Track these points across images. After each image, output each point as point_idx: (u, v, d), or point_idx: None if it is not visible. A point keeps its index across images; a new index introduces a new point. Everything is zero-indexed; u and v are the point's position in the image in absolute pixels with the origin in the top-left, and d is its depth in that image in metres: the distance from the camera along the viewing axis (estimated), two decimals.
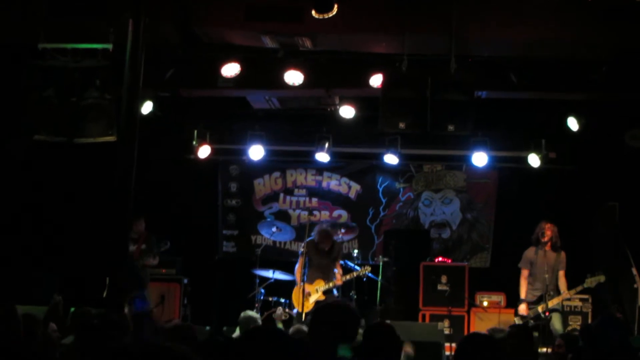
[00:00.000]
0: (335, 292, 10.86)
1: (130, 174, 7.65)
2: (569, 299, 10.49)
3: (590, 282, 9.79)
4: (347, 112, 11.34)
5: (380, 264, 11.94)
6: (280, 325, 10.03)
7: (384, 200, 13.50)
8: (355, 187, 13.61)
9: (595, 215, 11.96)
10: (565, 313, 10.89)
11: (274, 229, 11.96)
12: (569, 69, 9.96)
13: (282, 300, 11.07)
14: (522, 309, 9.98)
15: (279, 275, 11.28)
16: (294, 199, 13.71)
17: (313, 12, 8.60)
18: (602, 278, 9.74)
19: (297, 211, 13.62)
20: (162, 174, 12.38)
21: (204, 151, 12.57)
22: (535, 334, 9.67)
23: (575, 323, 11.14)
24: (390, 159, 12.22)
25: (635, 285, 10.74)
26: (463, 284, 11.70)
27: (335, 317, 4.50)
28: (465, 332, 11.20)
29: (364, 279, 11.14)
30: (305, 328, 7.08)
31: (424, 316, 11.61)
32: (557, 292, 9.98)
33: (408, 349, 6.88)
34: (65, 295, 8.46)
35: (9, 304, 5.05)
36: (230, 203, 13.77)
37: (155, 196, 11.98)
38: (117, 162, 7.78)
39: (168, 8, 9.36)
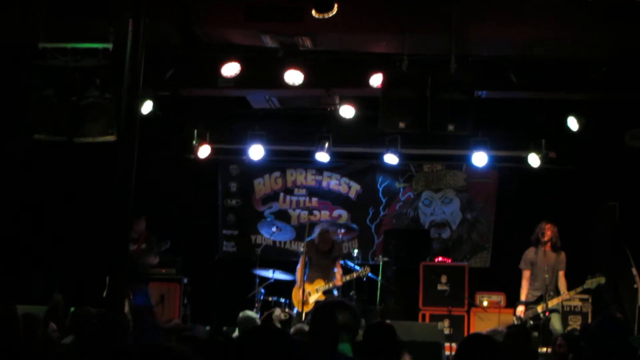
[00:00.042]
0: (335, 292, 10.86)
1: (130, 173, 7.65)
2: (568, 299, 10.48)
3: (591, 283, 9.78)
4: (347, 111, 11.33)
5: (380, 263, 11.94)
6: (278, 326, 10.03)
7: (384, 200, 13.50)
8: (355, 186, 13.61)
9: (595, 215, 11.96)
10: (565, 313, 10.90)
11: (274, 229, 11.96)
12: (569, 69, 9.95)
13: (282, 300, 11.08)
14: (520, 310, 9.98)
15: (279, 275, 11.29)
16: (294, 198, 13.72)
17: (313, 12, 8.59)
18: (602, 280, 9.73)
19: (297, 211, 13.63)
20: (162, 174, 12.38)
21: (204, 151, 12.57)
22: (535, 333, 9.68)
23: (575, 323, 11.15)
24: (390, 158, 12.22)
25: (635, 285, 10.74)
26: (463, 283, 11.70)
27: (335, 316, 4.50)
28: (465, 332, 11.21)
29: (364, 279, 11.14)
30: (306, 328, 7.09)
31: (423, 316, 11.61)
32: (557, 293, 9.97)
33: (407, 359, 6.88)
34: (65, 295, 8.47)
35: (9, 304, 5.05)
36: (230, 203, 13.77)
37: (155, 196, 11.98)
38: (117, 161, 7.78)
39: (168, 8, 9.36)
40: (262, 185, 13.75)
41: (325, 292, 10.70)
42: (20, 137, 9.95)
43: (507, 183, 13.00)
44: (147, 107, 10.58)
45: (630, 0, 8.49)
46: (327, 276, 10.77)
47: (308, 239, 10.95)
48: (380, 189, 13.52)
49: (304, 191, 13.71)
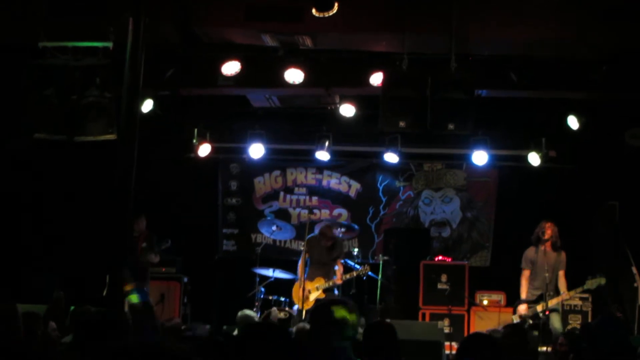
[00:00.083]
0: (335, 290, 10.87)
1: (130, 173, 7.64)
2: (568, 299, 10.48)
3: (591, 284, 9.77)
4: (347, 110, 11.33)
5: (380, 262, 11.94)
6: None
7: (384, 199, 13.50)
8: (356, 185, 13.61)
9: (595, 215, 11.96)
10: (565, 312, 10.90)
11: (274, 228, 11.97)
12: (569, 68, 9.95)
13: (282, 299, 11.09)
14: (522, 309, 9.97)
15: (279, 274, 11.29)
16: (294, 197, 13.72)
17: (313, 11, 8.60)
18: (602, 280, 9.73)
19: (297, 210, 13.63)
20: (162, 173, 12.38)
21: (204, 150, 12.57)
22: (535, 333, 9.69)
23: (575, 322, 11.15)
24: (391, 157, 12.23)
25: (635, 285, 10.74)
26: (463, 282, 11.71)
27: (331, 312, 4.51)
28: (465, 331, 11.21)
29: (364, 278, 11.14)
30: (308, 327, 7.09)
31: (424, 315, 11.62)
32: (557, 292, 9.97)
33: None
34: (66, 295, 8.47)
35: (9, 303, 5.06)
36: (231, 202, 13.78)
37: (155, 195, 11.98)
38: (117, 161, 7.77)
39: (168, 7, 9.36)
40: (263, 184, 13.76)
41: (325, 290, 10.71)
42: (20, 136, 9.94)
43: (507, 182, 13.00)
44: (147, 106, 10.58)
45: (630, 0, 8.49)
46: (328, 274, 10.78)
47: (310, 236, 10.97)
48: (381, 188, 13.52)
49: (304, 190, 13.71)
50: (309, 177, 13.72)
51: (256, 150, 12.47)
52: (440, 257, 12.27)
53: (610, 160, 11.63)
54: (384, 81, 9.49)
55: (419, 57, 9.49)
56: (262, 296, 11.12)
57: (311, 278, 10.76)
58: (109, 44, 9.02)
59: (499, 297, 11.73)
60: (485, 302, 11.72)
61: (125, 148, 7.77)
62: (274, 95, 11.59)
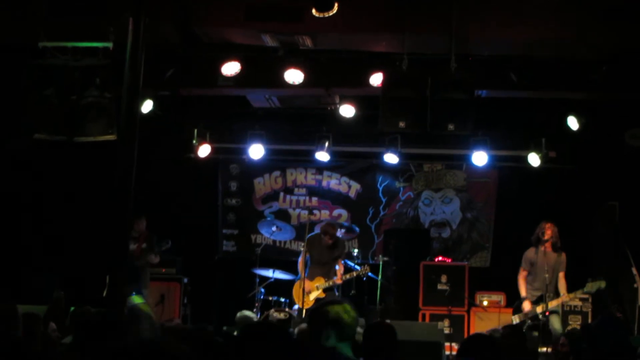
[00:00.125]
0: (335, 290, 10.86)
1: (130, 173, 7.63)
2: (568, 300, 10.47)
3: (591, 287, 9.76)
4: (347, 111, 11.33)
5: (380, 263, 11.94)
6: None
7: (384, 200, 13.50)
8: (355, 186, 13.61)
9: (595, 215, 11.95)
10: (565, 312, 10.89)
11: (274, 228, 11.97)
12: (569, 68, 9.95)
13: (282, 299, 11.08)
14: (526, 306, 9.94)
15: (279, 275, 11.29)
16: (294, 198, 13.72)
17: (313, 11, 8.60)
18: (602, 284, 9.72)
19: (297, 210, 13.63)
20: (162, 174, 12.38)
21: (204, 150, 12.57)
22: (535, 333, 9.69)
23: (575, 322, 11.14)
24: (390, 158, 12.23)
25: (635, 285, 10.74)
26: (463, 283, 11.70)
27: (327, 311, 4.51)
28: (465, 332, 11.21)
29: (364, 279, 11.14)
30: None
31: (424, 316, 11.62)
32: (557, 294, 9.95)
33: None
34: (66, 295, 8.47)
35: (9, 304, 5.06)
36: (230, 202, 13.77)
37: (155, 196, 11.98)
38: (117, 161, 7.77)
39: (168, 7, 9.35)
40: (262, 184, 13.76)
41: (325, 290, 10.71)
42: (20, 136, 9.94)
43: (507, 182, 13.00)
44: (147, 106, 10.58)
45: (630, 0, 8.49)
46: (328, 274, 10.78)
47: (310, 235, 10.98)
48: (380, 189, 13.52)
49: (304, 190, 13.71)
50: (309, 178, 13.72)
51: (256, 151, 12.47)
52: (440, 258, 12.26)
53: (610, 160, 11.63)
54: (384, 81, 9.49)
55: (419, 57, 9.49)
56: (262, 297, 11.12)
57: (311, 277, 10.76)
58: (109, 44, 9.01)
59: (499, 297, 11.73)
60: (485, 303, 11.72)
61: (125, 148, 7.77)
62: (274, 96, 11.59)
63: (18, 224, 11.67)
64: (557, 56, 9.81)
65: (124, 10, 7.98)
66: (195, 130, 12.48)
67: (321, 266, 10.83)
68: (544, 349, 9.38)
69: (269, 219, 13.06)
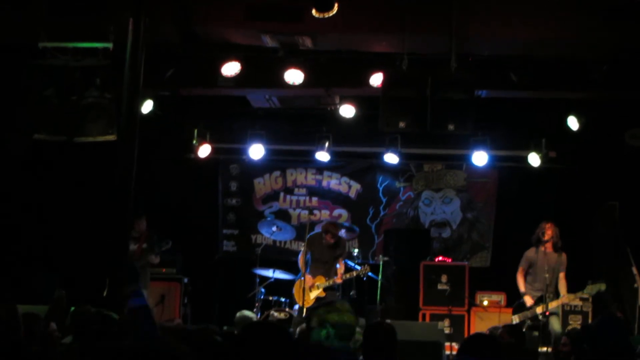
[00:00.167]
0: (336, 289, 10.86)
1: (130, 173, 7.64)
2: (568, 302, 10.47)
3: (591, 289, 9.76)
4: (347, 111, 11.33)
5: (381, 263, 11.94)
6: None
7: (384, 200, 13.50)
8: (356, 186, 13.61)
9: (595, 215, 11.95)
10: (565, 312, 10.88)
11: (274, 228, 11.98)
12: (569, 68, 9.96)
13: (283, 299, 11.08)
14: (528, 300, 9.94)
15: (279, 275, 11.30)
16: (294, 198, 13.72)
17: (313, 11, 8.60)
18: (602, 286, 9.71)
19: (298, 210, 13.63)
20: (162, 174, 12.38)
21: (204, 150, 12.57)
22: (535, 333, 9.69)
23: (575, 322, 11.13)
24: (391, 158, 12.23)
25: (635, 285, 10.73)
26: (463, 283, 11.70)
27: (328, 317, 4.52)
28: (466, 332, 11.21)
29: (364, 278, 11.14)
30: None
31: (424, 315, 11.61)
32: (557, 294, 9.95)
33: None
34: (66, 294, 8.46)
35: (9, 304, 5.05)
36: (231, 202, 13.77)
37: (155, 195, 11.98)
38: (117, 161, 7.77)
39: (168, 7, 9.36)
40: (262, 184, 13.75)
41: (326, 289, 10.71)
42: (20, 137, 9.95)
43: (507, 183, 13.00)
44: (147, 106, 10.58)
45: (630, 0, 8.49)
46: (329, 273, 10.78)
47: (312, 233, 10.98)
48: (381, 189, 13.52)
49: (304, 191, 13.71)
50: (309, 178, 13.71)
51: (256, 151, 12.48)
52: (440, 258, 12.26)
53: (610, 160, 11.64)
54: (384, 81, 9.49)
55: (419, 57, 9.50)
56: (262, 297, 11.12)
57: (312, 276, 10.75)
58: (109, 45, 9.03)
59: (499, 297, 11.72)
60: (485, 303, 11.71)
61: (125, 148, 7.77)
62: (274, 96, 11.59)
63: (18, 224, 11.67)
64: (557, 56, 9.81)
65: (124, 10, 7.99)
66: (196, 130, 12.48)
67: (322, 265, 10.83)
68: (544, 349, 9.38)
69: (269, 219, 13.06)
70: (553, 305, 9.82)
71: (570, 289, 9.94)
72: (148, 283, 11.16)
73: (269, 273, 11.28)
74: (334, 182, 13.63)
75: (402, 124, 9.29)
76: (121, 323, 5.41)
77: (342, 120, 11.51)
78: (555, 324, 9.79)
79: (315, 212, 13.42)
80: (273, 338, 3.34)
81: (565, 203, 11.92)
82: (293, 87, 10.25)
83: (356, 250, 12.10)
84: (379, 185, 13.52)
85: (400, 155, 12.23)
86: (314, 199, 13.62)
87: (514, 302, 10.36)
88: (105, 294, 7.37)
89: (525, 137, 12.17)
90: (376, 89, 9.97)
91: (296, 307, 10.77)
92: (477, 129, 10.55)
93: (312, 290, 10.67)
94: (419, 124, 9.16)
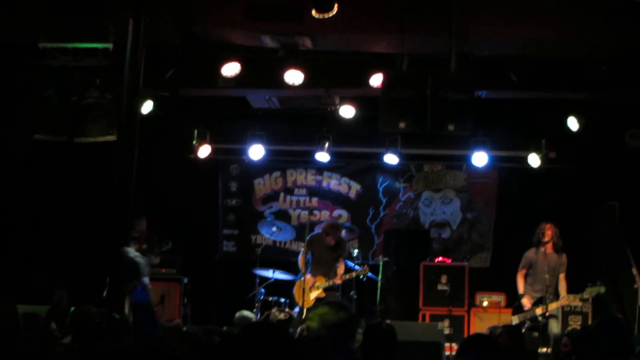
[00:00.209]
0: (336, 289, 10.85)
1: (130, 173, 7.65)
2: (567, 304, 10.47)
3: (590, 292, 9.75)
4: (347, 111, 11.33)
5: (381, 263, 11.95)
6: None
7: (384, 200, 13.50)
8: (356, 186, 13.61)
9: (595, 215, 11.95)
10: (565, 313, 10.87)
11: (274, 229, 11.98)
12: (569, 68, 9.96)
13: (282, 299, 11.08)
14: (526, 302, 9.93)
15: (279, 275, 11.29)
16: (294, 198, 13.72)
17: (313, 12, 8.60)
18: (602, 289, 9.70)
19: (297, 211, 13.63)
20: (162, 174, 12.38)
21: (204, 151, 12.57)
22: (535, 334, 9.68)
23: (575, 323, 11.13)
24: (391, 158, 12.23)
25: (635, 285, 10.72)
26: (463, 283, 11.70)
27: (333, 317, 4.52)
28: (465, 332, 11.21)
29: (364, 279, 11.14)
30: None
31: (424, 316, 11.61)
32: (556, 296, 9.93)
33: None
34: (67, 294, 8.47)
35: (9, 304, 5.05)
36: (231, 203, 13.77)
37: (155, 196, 11.98)
38: (117, 161, 7.78)
39: (168, 8, 9.36)
40: (262, 185, 13.76)
41: (326, 290, 10.70)
42: (20, 137, 9.94)
43: (507, 183, 13.00)
44: (147, 107, 10.58)
45: (630, 0, 8.49)
46: (329, 273, 10.78)
47: (312, 234, 10.97)
48: (381, 189, 13.52)
49: (304, 191, 13.71)
50: (309, 178, 13.72)
51: (256, 151, 12.48)
52: (440, 258, 12.26)
53: (610, 160, 11.64)
54: (384, 82, 9.50)
55: (419, 57, 9.50)
56: (262, 297, 11.12)
57: (312, 276, 10.75)
58: (109, 45, 9.02)
59: (499, 298, 11.71)
60: (485, 303, 11.71)
61: (125, 148, 7.78)
62: (274, 96, 11.59)
63: (18, 224, 11.67)
64: (557, 56, 9.82)
65: (124, 10, 7.99)
66: (196, 131, 12.48)
67: (322, 265, 10.83)
68: (544, 350, 9.37)
69: (269, 219, 13.07)
70: (553, 306, 9.80)
71: (571, 290, 9.92)
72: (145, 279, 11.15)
73: (268, 273, 11.27)
74: (334, 183, 13.63)
75: (402, 125, 9.30)
76: (121, 323, 5.41)
77: (342, 121, 11.52)
78: (554, 327, 9.77)
79: (315, 212, 13.42)
80: (273, 338, 3.34)
81: (565, 203, 11.92)
82: (293, 87, 10.26)
83: (356, 251, 12.10)
84: (379, 186, 13.52)
85: (400, 156, 12.23)
86: (314, 200, 13.63)
87: (514, 302, 10.34)
88: (105, 294, 7.37)
89: (525, 137, 12.17)
90: (376, 89, 9.98)
91: (297, 309, 10.76)
92: (477, 130, 10.56)
93: (312, 291, 10.67)
94: (419, 124, 9.17)
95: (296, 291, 10.79)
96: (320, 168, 13.49)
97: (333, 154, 12.45)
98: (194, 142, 12.50)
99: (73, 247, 11.66)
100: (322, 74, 10.50)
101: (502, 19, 9.22)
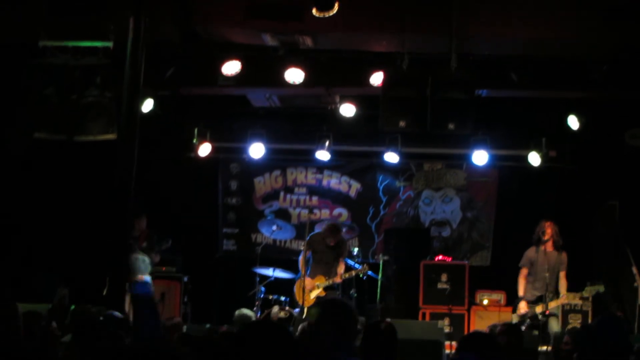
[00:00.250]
0: (336, 288, 10.86)
1: (130, 172, 7.66)
2: (567, 302, 10.47)
3: (589, 291, 9.77)
4: (347, 110, 11.33)
5: (381, 262, 11.95)
6: None
7: (384, 199, 13.50)
8: (356, 185, 13.61)
9: (595, 215, 11.95)
10: (565, 311, 10.88)
11: (274, 228, 11.98)
12: (569, 67, 9.96)
13: (282, 298, 11.08)
14: (522, 307, 9.95)
15: (279, 274, 11.30)
16: (295, 197, 13.72)
17: (314, 11, 8.60)
18: (601, 288, 9.72)
19: (298, 209, 13.63)
20: (162, 173, 12.38)
21: (205, 149, 12.57)
22: (535, 332, 9.69)
23: (575, 321, 11.13)
24: (391, 157, 12.23)
25: (635, 285, 10.73)
26: (463, 282, 11.70)
27: (334, 316, 4.52)
28: (466, 331, 11.21)
29: (364, 278, 11.14)
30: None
31: (424, 314, 11.61)
32: (556, 294, 9.94)
33: None
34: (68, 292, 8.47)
35: (10, 303, 5.06)
36: (231, 201, 13.78)
37: (155, 195, 11.98)
38: (117, 160, 7.79)
39: (168, 7, 9.36)
40: (263, 183, 13.76)
41: (326, 289, 10.71)
42: (20, 136, 9.95)
43: (508, 182, 13.00)
44: (147, 105, 10.57)
45: (630, 0, 8.50)
46: (329, 273, 10.78)
47: (313, 233, 10.97)
48: (381, 188, 13.52)
49: (304, 190, 13.71)
50: (309, 177, 13.72)
51: (256, 150, 12.47)
52: (440, 257, 12.26)
53: (610, 160, 11.63)
54: (384, 81, 9.50)
55: (419, 56, 9.50)
56: (262, 296, 11.12)
57: (313, 275, 10.75)
58: (109, 44, 9.03)
59: (499, 296, 11.72)
60: (485, 302, 11.71)
61: (125, 147, 7.79)
62: (274, 95, 11.60)
63: (18, 224, 11.67)
64: (557, 56, 9.82)
65: (125, 9, 8.00)
66: (196, 130, 12.48)
67: (323, 265, 10.83)
68: (544, 348, 9.38)
69: (269, 218, 13.07)
70: (553, 305, 9.81)
71: (570, 289, 9.93)
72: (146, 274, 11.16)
73: (268, 272, 11.28)
74: (334, 181, 13.63)
75: (402, 124, 9.30)
76: (121, 322, 5.42)
77: (343, 120, 11.52)
78: (554, 326, 9.78)
79: (316, 211, 13.42)
80: (273, 337, 3.34)
81: (565, 203, 11.92)
82: (293, 86, 10.26)
83: (356, 249, 12.10)
84: (379, 185, 13.53)
85: (401, 155, 12.23)
86: (314, 198, 13.63)
87: (514, 301, 10.35)
88: (105, 293, 7.38)
89: (526, 136, 12.17)
90: (376, 88, 9.98)
91: (297, 310, 10.77)
92: (477, 129, 10.55)
93: (312, 290, 10.67)
94: (419, 123, 9.17)
95: (297, 290, 10.79)
96: (321, 167, 13.49)
97: (333, 153, 12.45)
98: (194, 140, 12.50)
99: (73, 247, 11.67)
100: (322, 72, 10.50)
101: (502, 19, 9.22)
